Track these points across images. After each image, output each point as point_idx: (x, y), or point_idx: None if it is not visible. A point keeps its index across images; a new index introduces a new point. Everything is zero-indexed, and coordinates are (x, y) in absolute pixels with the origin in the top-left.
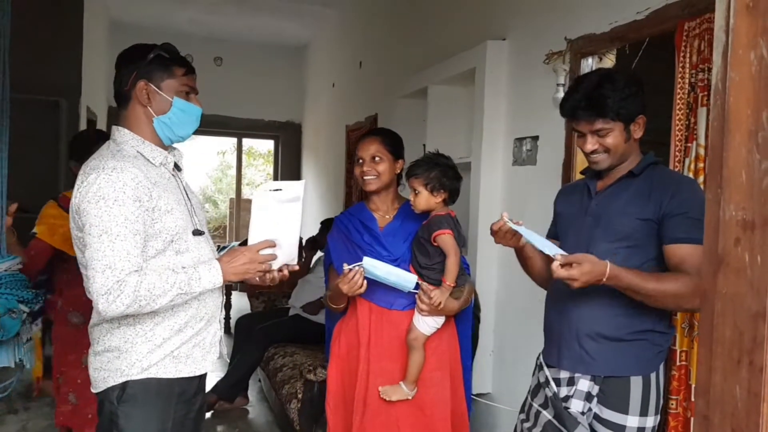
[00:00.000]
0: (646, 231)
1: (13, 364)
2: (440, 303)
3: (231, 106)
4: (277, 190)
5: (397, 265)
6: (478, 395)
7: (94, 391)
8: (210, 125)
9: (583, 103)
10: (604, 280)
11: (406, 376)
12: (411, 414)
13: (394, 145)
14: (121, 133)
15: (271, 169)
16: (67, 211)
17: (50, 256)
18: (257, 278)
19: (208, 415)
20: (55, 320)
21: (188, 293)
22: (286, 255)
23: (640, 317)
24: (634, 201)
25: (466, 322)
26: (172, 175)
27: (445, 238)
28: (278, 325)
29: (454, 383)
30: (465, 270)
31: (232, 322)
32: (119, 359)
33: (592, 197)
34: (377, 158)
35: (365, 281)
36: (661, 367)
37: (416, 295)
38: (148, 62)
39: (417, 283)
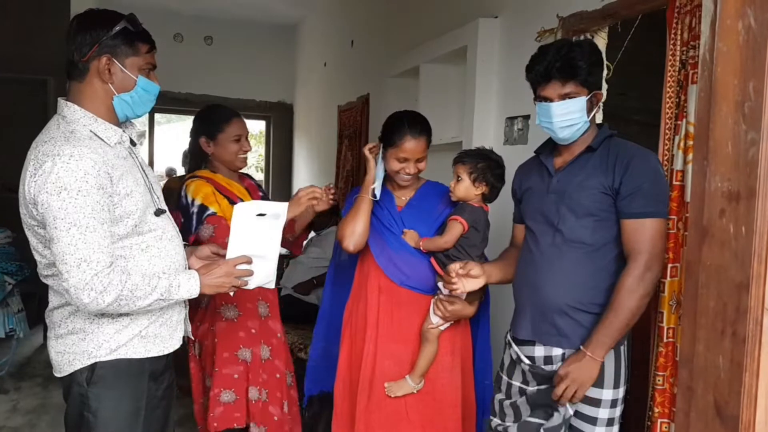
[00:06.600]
0: (608, 204)
1: (3, 333)
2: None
3: (221, 86)
4: (261, 215)
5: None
6: None
7: (57, 375)
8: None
9: (559, 64)
10: (591, 355)
11: (414, 369)
12: (420, 399)
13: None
14: (71, 110)
15: (263, 150)
16: None
17: None
18: (231, 292)
19: None
20: None
21: (167, 300)
22: (264, 274)
23: (609, 290)
24: (594, 175)
25: (483, 310)
26: (129, 152)
27: (455, 225)
28: None
29: (465, 369)
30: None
31: None
32: (85, 341)
33: (552, 175)
34: (421, 158)
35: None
36: (626, 338)
37: (433, 302)
38: (112, 35)
39: (437, 288)
